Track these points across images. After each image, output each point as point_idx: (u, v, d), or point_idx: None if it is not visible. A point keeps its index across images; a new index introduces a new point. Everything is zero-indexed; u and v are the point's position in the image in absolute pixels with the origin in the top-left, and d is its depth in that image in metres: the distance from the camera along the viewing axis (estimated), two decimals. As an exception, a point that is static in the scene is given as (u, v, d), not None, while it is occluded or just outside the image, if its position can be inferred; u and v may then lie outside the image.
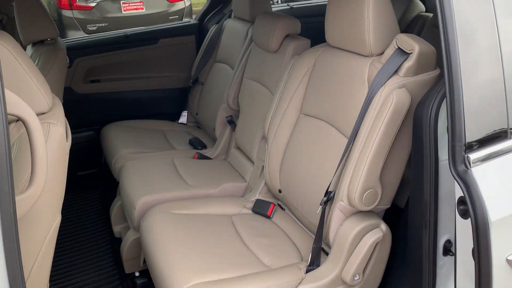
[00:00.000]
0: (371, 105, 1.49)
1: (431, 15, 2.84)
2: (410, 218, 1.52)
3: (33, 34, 2.14)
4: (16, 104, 0.91)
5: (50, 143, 1.12)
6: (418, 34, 2.72)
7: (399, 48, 1.50)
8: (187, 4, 7.35)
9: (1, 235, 0.88)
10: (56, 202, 1.18)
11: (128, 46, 2.97)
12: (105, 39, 2.99)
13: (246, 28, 2.59)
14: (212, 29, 2.92)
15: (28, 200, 0.95)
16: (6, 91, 0.88)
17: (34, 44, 2.22)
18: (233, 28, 2.75)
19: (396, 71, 1.48)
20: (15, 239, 0.90)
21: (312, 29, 2.22)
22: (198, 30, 3.14)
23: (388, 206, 1.64)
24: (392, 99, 1.43)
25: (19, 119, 0.97)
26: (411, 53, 1.46)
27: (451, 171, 1.10)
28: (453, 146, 1.08)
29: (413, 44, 1.45)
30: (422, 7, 3.01)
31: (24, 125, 0.94)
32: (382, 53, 1.57)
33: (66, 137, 1.23)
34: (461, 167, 1.08)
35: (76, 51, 2.80)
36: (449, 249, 1.49)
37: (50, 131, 1.15)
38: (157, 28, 3.14)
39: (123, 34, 2.98)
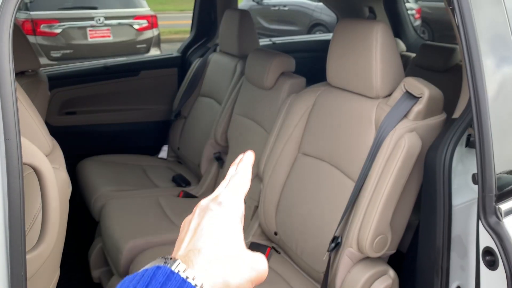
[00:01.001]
0: (381, 148, 1.46)
1: (412, 54, 2.91)
2: (420, 265, 1.48)
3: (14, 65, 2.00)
4: (30, 152, 0.81)
5: (53, 191, 1.01)
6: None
7: (407, 91, 1.49)
8: (155, 33, 7.31)
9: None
10: (58, 256, 1.06)
11: (108, 78, 2.86)
12: (83, 69, 2.87)
13: (234, 63, 2.55)
14: (196, 63, 2.87)
15: (38, 258, 0.84)
16: (22, 138, 0.78)
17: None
18: (219, 62, 2.71)
19: (405, 115, 1.47)
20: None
21: (296, 65, 2.21)
22: (181, 63, 3.08)
23: (394, 251, 1.60)
24: (404, 143, 1.41)
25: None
26: (421, 97, 1.46)
27: (481, 222, 1.07)
28: (484, 197, 1.06)
29: (423, 89, 1.45)
30: (403, 46, 3.10)
31: (38, 176, 0.83)
32: (388, 95, 1.56)
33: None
34: (492, 219, 1.06)
35: (52, 81, 2.65)
36: (459, 296, 1.46)
37: (53, 177, 1.04)
38: (138, 59, 3.06)
39: (102, 65, 2.88)
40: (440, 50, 2.57)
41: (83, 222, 2.61)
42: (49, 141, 1.10)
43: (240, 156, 0.59)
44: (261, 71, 2.11)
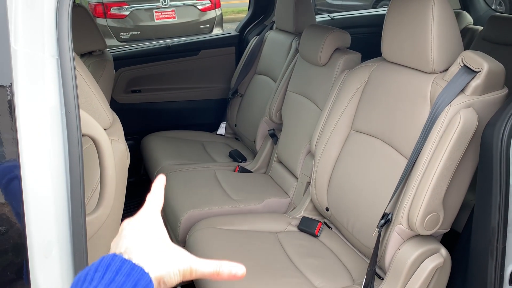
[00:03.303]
0: (436, 124, 1.42)
1: (480, 28, 2.74)
2: (474, 245, 1.44)
3: (82, 46, 2.16)
4: (89, 124, 0.89)
5: (112, 161, 1.10)
6: (467, 47, 2.64)
7: (465, 65, 1.43)
8: (218, 13, 7.39)
9: (72, 257, 0.86)
10: (116, 222, 1.15)
11: (170, 57, 2.97)
12: (147, 49, 3.01)
13: (290, 40, 2.55)
14: (253, 41, 2.90)
15: (97, 221, 0.93)
16: (81, 111, 0.86)
17: (83, 55, 2.24)
18: (275, 40, 2.72)
19: (462, 90, 1.42)
20: (85, 262, 0.88)
21: (354, 41, 2.16)
22: (238, 41, 3.13)
23: (448, 230, 1.56)
24: (460, 119, 1.36)
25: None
26: (479, 71, 1.39)
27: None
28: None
29: (482, 62, 1.39)
30: (470, 19, 2.93)
31: (96, 146, 0.91)
32: (445, 70, 1.51)
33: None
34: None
35: (118, 61, 2.81)
36: (516, 278, 1.41)
37: (112, 148, 1.13)
38: (198, 39, 3.14)
39: (165, 45, 2.99)
40: (510, 22, 2.40)
41: (147, 192, 2.78)
42: (109, 115, 1.19)
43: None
44: (315, 47, 2.10)
